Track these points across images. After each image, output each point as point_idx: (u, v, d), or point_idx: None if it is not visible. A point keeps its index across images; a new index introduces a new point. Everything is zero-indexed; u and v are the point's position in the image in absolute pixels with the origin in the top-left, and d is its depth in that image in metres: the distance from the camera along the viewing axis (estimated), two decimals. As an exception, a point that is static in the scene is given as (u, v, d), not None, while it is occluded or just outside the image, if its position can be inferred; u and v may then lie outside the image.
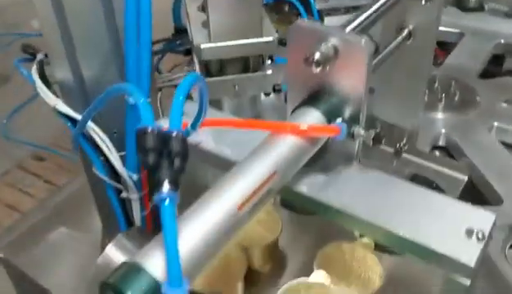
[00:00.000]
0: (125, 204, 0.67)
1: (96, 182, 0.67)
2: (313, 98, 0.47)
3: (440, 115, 0.81)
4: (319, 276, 0.53)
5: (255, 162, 0.41)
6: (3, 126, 1.99)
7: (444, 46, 1.01)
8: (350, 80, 0.44)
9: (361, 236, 0.57)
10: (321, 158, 0.50)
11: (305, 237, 0.63)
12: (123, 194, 0.65)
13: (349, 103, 0.46)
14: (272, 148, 0.43)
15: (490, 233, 0.43)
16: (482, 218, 0.44)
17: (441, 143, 0.79)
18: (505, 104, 0.83)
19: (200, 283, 0.54)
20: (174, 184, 0.32)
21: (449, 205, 0.45)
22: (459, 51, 0.95)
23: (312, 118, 0.45)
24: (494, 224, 0.43)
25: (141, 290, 0.33)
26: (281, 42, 0.80)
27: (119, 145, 0.63)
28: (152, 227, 0.67)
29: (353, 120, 0.46)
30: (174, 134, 0.33)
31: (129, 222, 0.68)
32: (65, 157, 1.84)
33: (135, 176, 0.62)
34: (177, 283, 0.32)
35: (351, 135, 0.46)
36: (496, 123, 0.79)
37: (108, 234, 0.75)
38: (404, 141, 0.69)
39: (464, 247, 0.41)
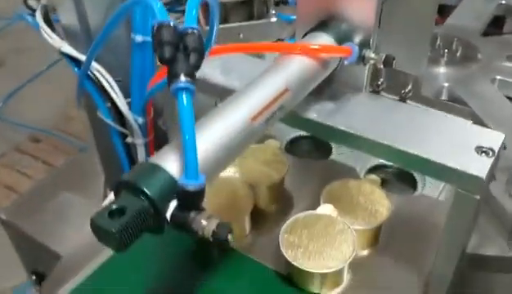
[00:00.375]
0: (130, 151, 0.67)
1: (100, 129, 0.67)
2: (324, 24, 0.47)
3: (442, 69, 0.81)
4: (326, 209, 0.53)
5: (268, 78, 0.42)
6: (-1, 109, 1.98)
7: (443, 11, 1.01)
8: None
9: (368, 173, 0.57)
10: (330, 88, 0.50)
11: (310, 180, 0.63)
12: (129, 139, 0.65)
13: (360, 27, 0.46)
14: (284, 66, 0.43)
15: (499, 151, 0.43)
16: (492, 137, 0.44)
17: (443, 96, 0.79)
18: (506, 61, 0.83)
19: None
20: (191, 77, 0.32)
21: (459, 126, 0.45)
22: (460, 12, 0.95)
23: (323, 41, 0.45)
24: (503, 142, 0.44)
25: (158, 186, 0.33)
26: (284, 2, 0.80)
27: (124, 94, 0.63)
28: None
29: (364, 44, 0.47)
30: (190, 30, 0.33)
31: (134, 169, 0.68)
32: (61, 138, 1.85)
33: (140, 120, 0.62)
34: (194, 175, 0.32)
35: (361, 59, 0.46)
36: (498, 77, 0.79)
37: (110, 185, 0.75)
38: (409, 88, 0.69)
39: (475, 161, 0.42)
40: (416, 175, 0.66)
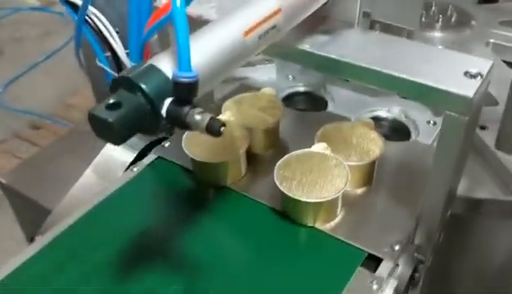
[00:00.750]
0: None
1: (98, 77, 0.68)
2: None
3: (437, 34, 0.82)
4: (320, 147, 0.54)
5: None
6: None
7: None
8: None
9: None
10: (323, 24, 0.51)
11: (306, 129, 0.63)
12: (126, 88, 0.65)
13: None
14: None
15: (488, 76, 0.44)
16: (480, 63, 0.45)
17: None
18: (500, 26, 0.84)
19: (205, 156, 0.55)
20: (185, -26, 0.33)
21: (449, 55, 0.46)
22: (455, -18, 0.96)
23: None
24: (491, 68, 0.45)
25: (154, 83, 0.33)
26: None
27: (123, 46, 0.64)
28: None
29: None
30: None
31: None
32: (60, 124, 1.87)
33: (138, 67, 0.63)
34: (187, 67, 0.33)
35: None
36: (491, 40, 0.80)
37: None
38: (402, 42, 0.70)
39: (463, 83, 0.43)
40: (410, 127, 0.67)
